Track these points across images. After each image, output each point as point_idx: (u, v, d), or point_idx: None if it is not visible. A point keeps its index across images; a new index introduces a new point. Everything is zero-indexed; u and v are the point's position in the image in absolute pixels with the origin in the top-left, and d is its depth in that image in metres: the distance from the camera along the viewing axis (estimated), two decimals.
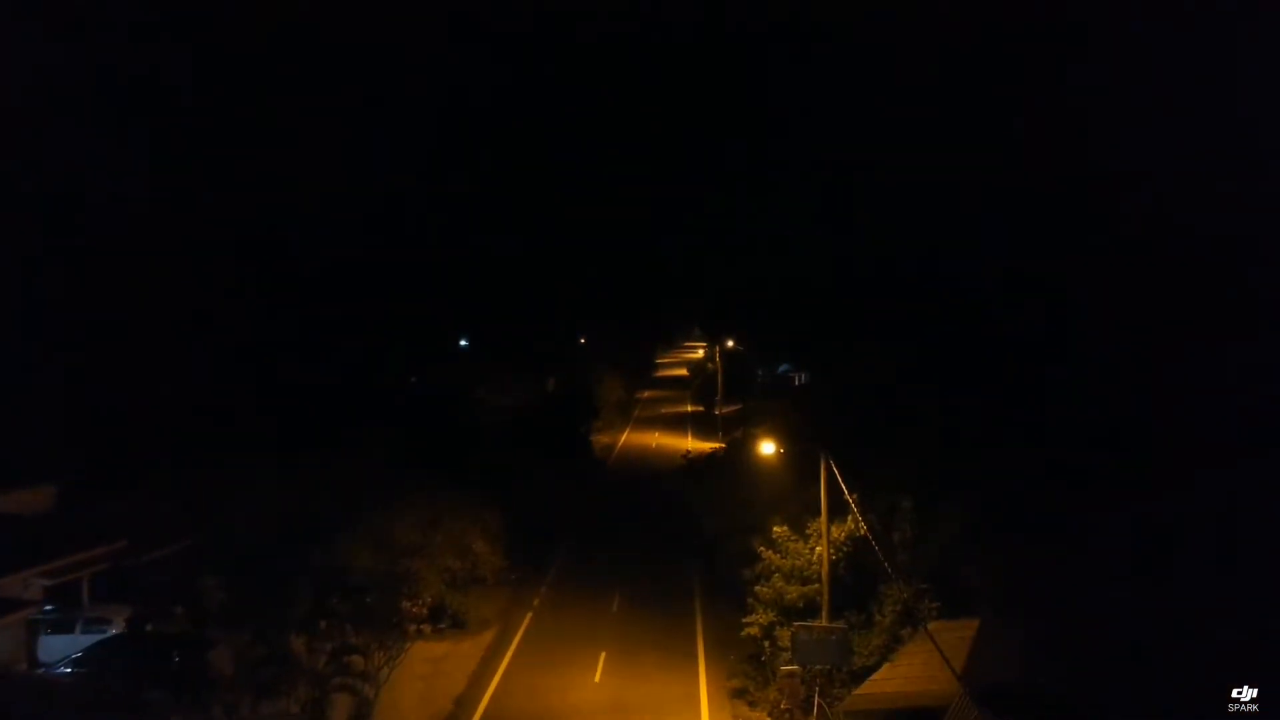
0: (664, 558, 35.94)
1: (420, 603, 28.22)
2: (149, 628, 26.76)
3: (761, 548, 24.74)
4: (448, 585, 28.67)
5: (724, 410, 68.26)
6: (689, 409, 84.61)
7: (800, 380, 78.62)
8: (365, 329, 63.33)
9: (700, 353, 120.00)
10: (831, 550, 23.02)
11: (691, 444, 64.86)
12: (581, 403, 69.12)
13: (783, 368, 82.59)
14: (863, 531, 22.82)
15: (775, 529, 24.71)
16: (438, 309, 78.04)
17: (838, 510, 23.89)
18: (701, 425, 72.38)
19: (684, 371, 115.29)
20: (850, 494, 22.63)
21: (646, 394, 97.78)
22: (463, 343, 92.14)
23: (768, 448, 26.36)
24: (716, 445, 61.27)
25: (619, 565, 35.06)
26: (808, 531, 24.41)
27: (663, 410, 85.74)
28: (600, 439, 67.67)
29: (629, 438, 69.66)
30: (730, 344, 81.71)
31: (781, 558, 24.30)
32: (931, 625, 20.89)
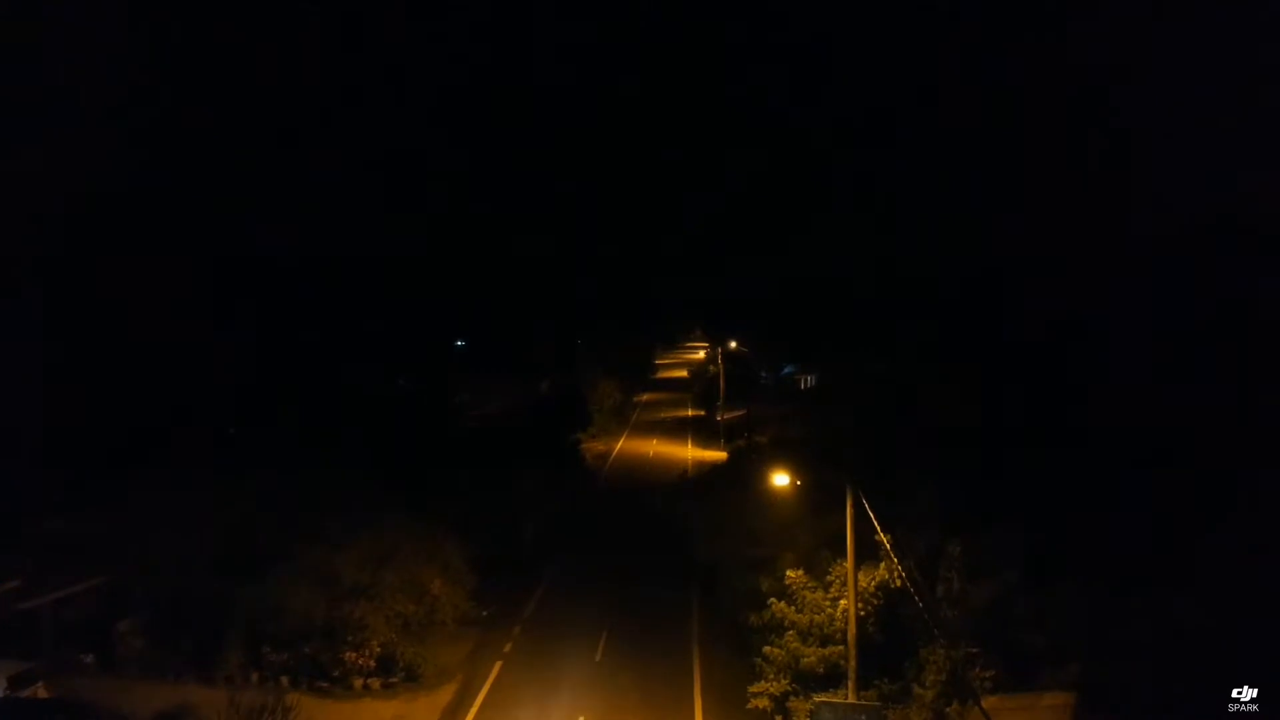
0: (658, 590, 31.45)
1: (367, 652, 23.97)
2: (38, 687, 22.40)
3: (772, 600, 20.28)
4: (400, 631, 24.31)
5: (726, 416, 63.87)
6: (689, 413, 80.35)
7: (807, 383, 74.54)
8: (350, 328, 59.65)
9: (702, 354, 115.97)
10: (860, 604, 18.65)
11: (691, 452, 60.50)
12: (573, 409, 64.85)
13: (787, 369, 78.60)
14: (899, 583, 18.52)
15: (788, 573, 20.34)
16: (435, 308, 74.51)
17: (865, 550, 19.59)
18: (702, 431, 68.03)
19: (684, 373, 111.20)
20: (883, 532, 18.31)
21: (645, 397, 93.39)
22: (459, 343, 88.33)
23: (780, 479, 22.07)
24: (718, 455, 56.95)
25: (607, 599, 30.61)
26: (828, 578, 20.06)
27: (662, 414, 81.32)
28: (595, 446, 63.33)
29: (625, 445, 65.22)
30: (733, 345, 77.47)
31: (796, 611, 19.89)
32: (988, 702, 16.59)
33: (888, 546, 18.32)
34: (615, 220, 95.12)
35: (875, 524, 18.19)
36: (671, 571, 33.19)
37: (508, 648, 26.75)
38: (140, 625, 24.94)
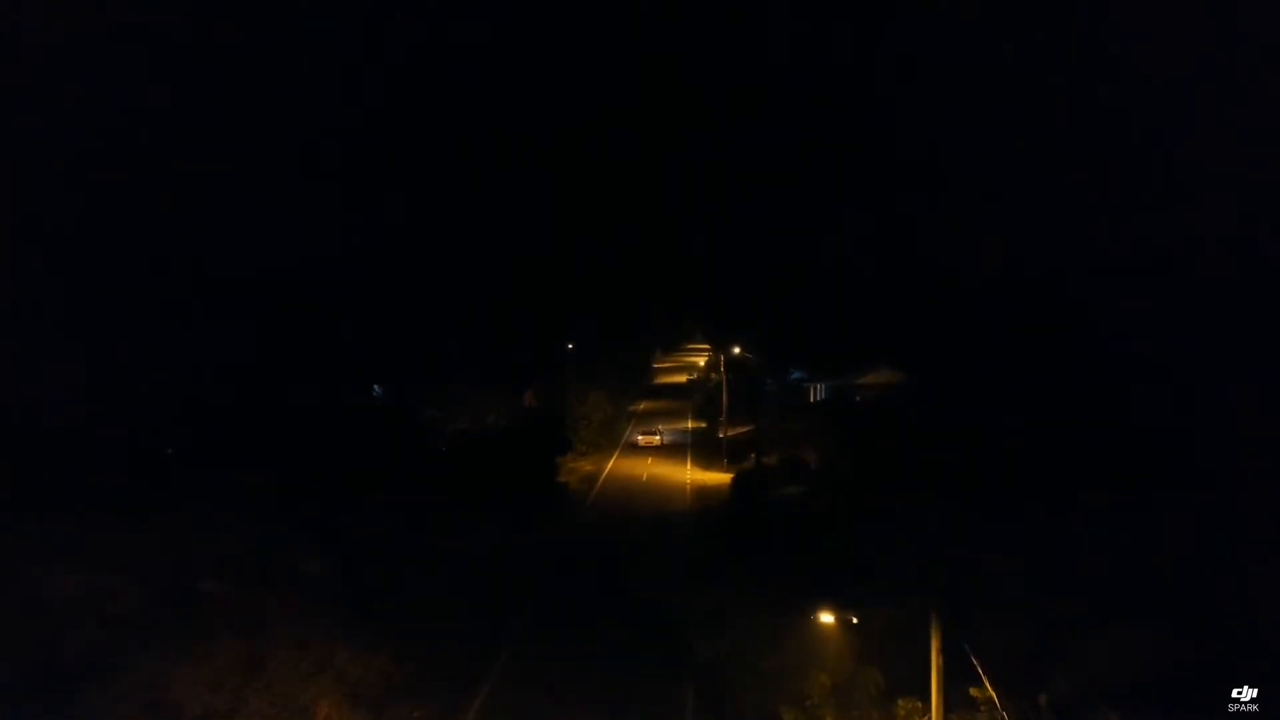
0: (642, 695, 22.75)
1: None
2: None
3: None
4: None
5: (730, 432, 56.81)
6: (689, 425, 73.41)
7: (816, 392, 67.77)
8: (310, 336, 53.28)
9: (703, 360, 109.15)
10: None
11: (691, 474, 53.38)
12: (557, 425, 57.64)
13: (794, 375, 72.04)
14: None
15: None
16: (420, 310, 68.36)
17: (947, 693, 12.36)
18: (703, 447, 61.04)
19: (684, 379, 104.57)
20: (990, 685, 11.12)
21: (642, 406, 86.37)
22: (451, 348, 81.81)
23: (826, 618, 14.86)
24: (721, 477, 49.93)
25: (576, 699, 22.79)
26: None
27: (659, 427, 74.14)
28: (582, 466, 56.25)
29: (617, 464, 58.02)
30: (736, 350, 70.58)
31: None
32: None
33: (995, 702, 11.20)
34: (611, 218, 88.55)
35: (979, 670, 11.02)
36: (660, 664, 25.11)
37: None
38: None
